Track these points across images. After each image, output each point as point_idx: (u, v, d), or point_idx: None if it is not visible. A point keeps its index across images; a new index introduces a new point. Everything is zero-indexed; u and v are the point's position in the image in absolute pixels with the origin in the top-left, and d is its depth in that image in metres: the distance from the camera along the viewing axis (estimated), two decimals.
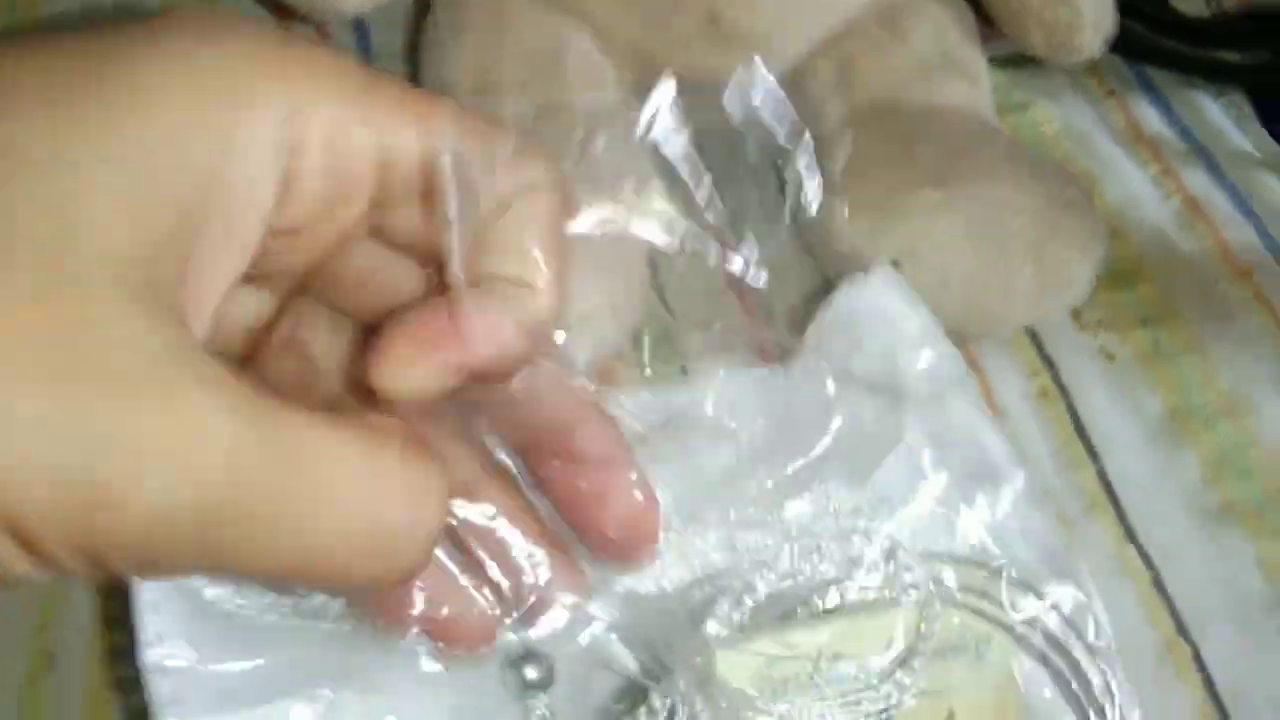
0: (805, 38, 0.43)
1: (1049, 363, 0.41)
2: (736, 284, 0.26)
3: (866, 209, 0.38)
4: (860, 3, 0.43)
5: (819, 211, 0.26)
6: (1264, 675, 0.35)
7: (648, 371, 0.36)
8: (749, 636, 0.29)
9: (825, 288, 0.38)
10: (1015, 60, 0.48)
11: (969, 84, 0.42)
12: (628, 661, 0.28)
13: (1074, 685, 0.31)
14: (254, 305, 0.24)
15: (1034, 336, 0.41)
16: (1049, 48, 0.43)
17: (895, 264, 0.38)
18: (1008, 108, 0.48)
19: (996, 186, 0.37)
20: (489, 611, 0.25)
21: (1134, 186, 0.46)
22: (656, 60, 0.40)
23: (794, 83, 0.43)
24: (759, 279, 0.25)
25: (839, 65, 0.42)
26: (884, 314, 0.35)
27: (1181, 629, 0.35)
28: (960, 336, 0.40)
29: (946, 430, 0.34)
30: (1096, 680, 0.31)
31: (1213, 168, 0.47)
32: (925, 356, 0.34)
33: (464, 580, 0.25)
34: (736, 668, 0.28)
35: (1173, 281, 0.43)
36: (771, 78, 0.25)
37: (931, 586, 0.30)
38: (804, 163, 0.26)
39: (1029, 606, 0.31)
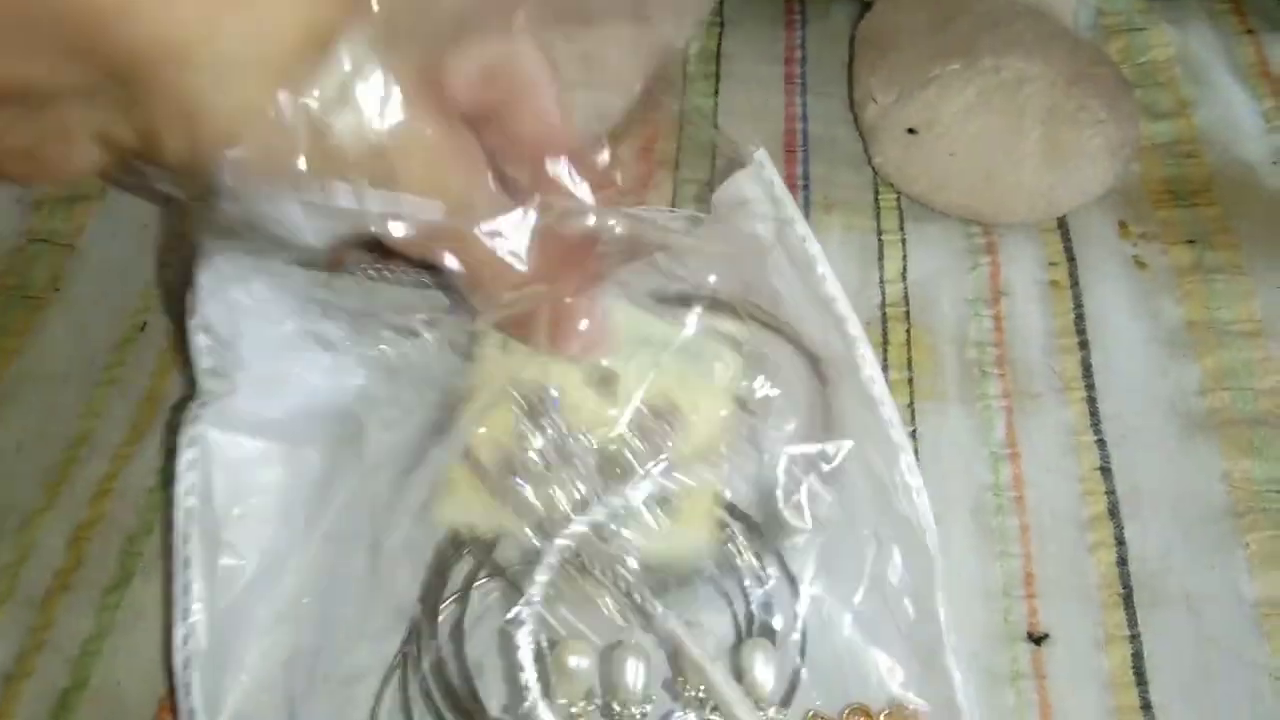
0: None
1: (1072, 259, 0.41)
2: None
3: (896, 78, 0.41)
4: None
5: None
6: (1183, 570, 0.34)
7: None
8: None
9: None
10: None
11: None
12: None
13: None
14: None
15: (1066, 235, 0.42)
16: None
17: (912, 132, 0.40)
18: (1123, 28, 0.48)
19: (1017, 59, 0.38)
20: None
21: (1237, 115, 0.45)
22: None
23: None
24: None
25: None
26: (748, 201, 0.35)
27: (1113, 512, 0.35)
28: (981, 225, 0.42)
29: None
30: None
31: None
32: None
33: None
34: None
35: (1241, 208, 0.42)
36: None
37: None
38: None
39: None
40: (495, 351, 0.32)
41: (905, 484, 0.30)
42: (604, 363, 0.32)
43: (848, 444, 0.31)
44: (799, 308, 0.33)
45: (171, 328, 0.41)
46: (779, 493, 0.31)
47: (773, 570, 0.32)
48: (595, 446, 0.31)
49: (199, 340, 0.33)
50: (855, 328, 0.32)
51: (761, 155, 0.33)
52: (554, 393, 0.32)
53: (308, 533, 0.34)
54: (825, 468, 0.31)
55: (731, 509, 0.33)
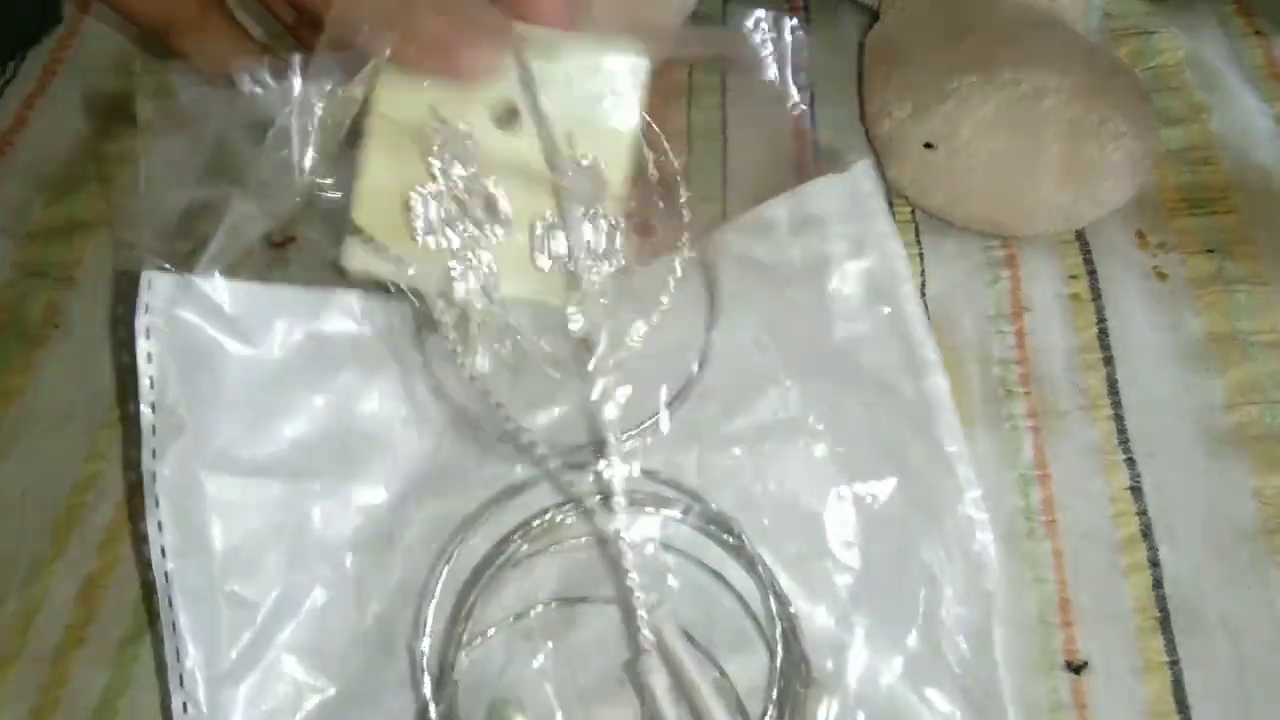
0: None
1: (1092, 271, 0.41)
2: None
3: (912, 92, 0.40)
4: None
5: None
6: (1218, 592, 0.34)
7: None
8: None
9: None
10: None
11: None
12: None
13: None
14: None
15: (1085, 246, 0.41)
16: None
17: (929, 146, 0.39)
18: (1131, 32, 0.48)
19: (1036, 71, 0.37)
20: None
21: (1249, 120, 0.44)
22: None
23: None
24: None
25: None
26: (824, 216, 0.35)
27: (1146, 533, 0.35)
28: (999, 237, 0.41)
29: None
30: None
31: None
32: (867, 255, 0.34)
33: None
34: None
35: (1259, 215, 0.42)
36: None
37: None
38: None
39: None
40: (393, 88, 0.30)
41: (969, 519, 0.29)
42: (505, 96, 0.31)
43: (893, 480, 0.30)
44: (854, 327, 0.32)
45: None
46: (825, 532, 0.31)
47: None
48: (498, 184, 0.30)
49: (146, 371, 0.31)
50: (932, 352, 0.31)
51: (864, 166, 0.33)
52: (458, 125, 0.30)
53: (319, 574, 0.33)
54: (875, 506, 0.31)
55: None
